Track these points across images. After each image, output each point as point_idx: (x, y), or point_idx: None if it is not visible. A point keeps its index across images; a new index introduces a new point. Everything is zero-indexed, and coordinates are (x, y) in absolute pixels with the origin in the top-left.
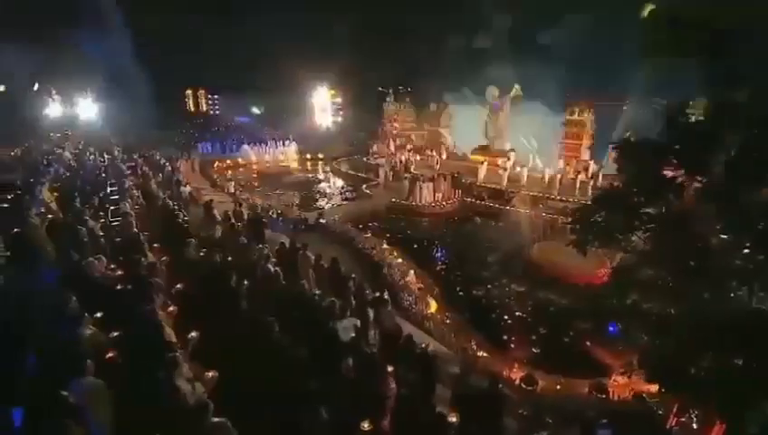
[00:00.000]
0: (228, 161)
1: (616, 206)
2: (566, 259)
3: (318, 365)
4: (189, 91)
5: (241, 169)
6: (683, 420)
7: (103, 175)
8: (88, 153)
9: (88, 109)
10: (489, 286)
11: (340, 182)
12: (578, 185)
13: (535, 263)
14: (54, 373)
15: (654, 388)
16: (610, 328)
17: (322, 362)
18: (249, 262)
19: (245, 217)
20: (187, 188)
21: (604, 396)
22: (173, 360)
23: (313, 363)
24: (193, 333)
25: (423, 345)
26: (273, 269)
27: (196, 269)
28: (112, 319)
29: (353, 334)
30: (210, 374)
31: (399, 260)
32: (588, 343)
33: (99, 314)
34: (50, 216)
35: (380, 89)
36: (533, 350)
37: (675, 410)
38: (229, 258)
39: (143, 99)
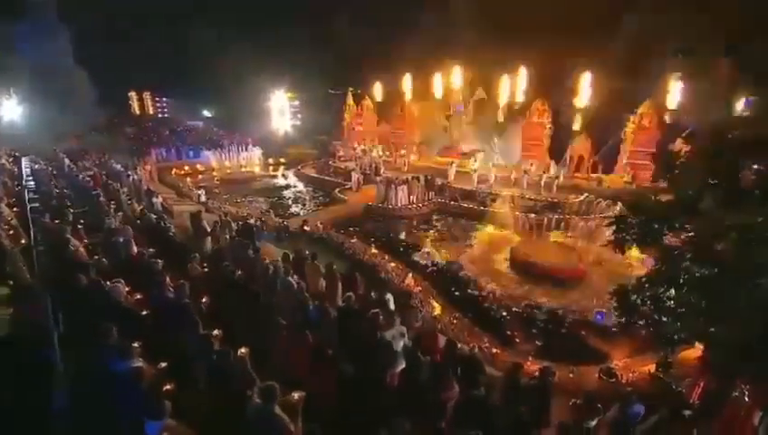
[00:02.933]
0: (187, 168)
1: (657, 210)
2: (545, 256)
3: (374, 376)
4: (133, 94)
5: (200, 176)
6: (735, 395)
7: (64, 188)
8: (30, 161)
9: (11, 111)
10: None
11: (302, 186)
12: (543, 184)
13: (517, 260)
14: (119, 415)
15: (652, 367)
16: (598, 317)
17: (377, 372)
18: (266, 275)
19: (234, 226)
20: (159, 199)
21: (613, 380)
22: (271, 389)
23: (369, 375)
24: (242, 350)
25: (470, 347)
26: (295, 283)
27: (210, 286)
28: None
29: (403, 342)
30: (297, 395)
31: (393, 264)
32: (583, 333)
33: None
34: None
35: (330, 90)
36: (537, 343)
37: (701, 386)
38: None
39: (80, 101)
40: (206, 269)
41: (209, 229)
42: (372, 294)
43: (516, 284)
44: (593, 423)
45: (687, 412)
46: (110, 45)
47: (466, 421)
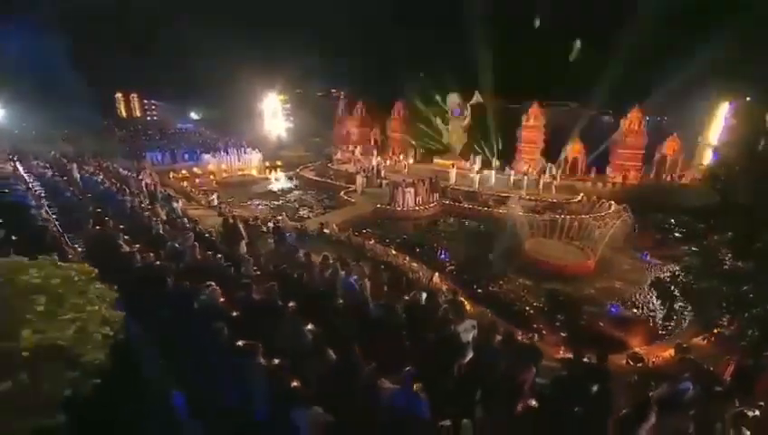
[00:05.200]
0: (184, 171)
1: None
2: (556, 253)
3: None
4: (119, 95)
5: (197, 180)
6: None
7: (87, 194)
8: (37, 166)
9: None
10: (501, 282)
11: (303, 189)
12: (541, 185)
13: (529, 258)
14: (256, 409)
15: (670, 352)
16: (612, 309)
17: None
18: (322, 276)
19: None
20: (180, 204)
21: (640, 364)
22: (412, 374)
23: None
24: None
25: (529, 337)
26: (357, 285)
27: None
28: None
29: (473, 334)
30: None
31: (415, 264)
32: (601, 324)
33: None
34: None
35: (319, 94)
36: (561, 334)
37: (733, 363)
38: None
39: (67, 103)
40: (257, 272)
41: (244, 233)
42: (420, 294)
43: (530, 280)
44: None
45: (719, 388)
46: (93, 45)
47: (555, 400)
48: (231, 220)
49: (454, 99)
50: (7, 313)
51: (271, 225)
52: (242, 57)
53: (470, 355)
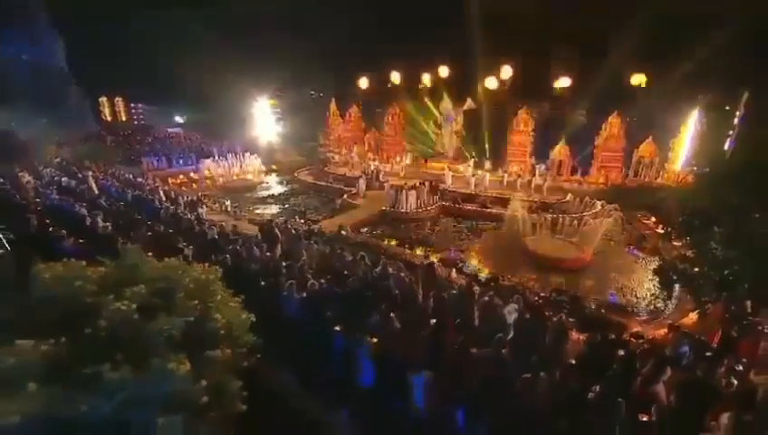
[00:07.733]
0: (182, 176)
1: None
2: (554, 249)
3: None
4: (104, 99)
5: (194, 185)
6: (759, 329)
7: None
8: (50, 174)
9: None
10: (509, 276)
11: (304, 193)
12: (533, 186)
13: (531, 254)
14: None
15: (665, 330)
16: (612, 297)
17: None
18: (369, 274)
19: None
20: (204, 209)
21: (642, 340)
22: (502, 339)
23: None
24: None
25: (558, 317)
26: (407, 279)
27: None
28: None
29: (515, 316)
30: None
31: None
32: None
33: None
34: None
35: (312, 93)
36: (570, 320)
37: (719, 333)
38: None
39: (54, 106)
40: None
41: (281, 237)
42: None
43: (535, 274)
44: None
45: (708, 353)
46: (81, 48)
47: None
48: (267, 223)
49: (446, 105)
50: (200, 302)
51: (287, 226)
52: (229, 58)
53: (512, 333)
